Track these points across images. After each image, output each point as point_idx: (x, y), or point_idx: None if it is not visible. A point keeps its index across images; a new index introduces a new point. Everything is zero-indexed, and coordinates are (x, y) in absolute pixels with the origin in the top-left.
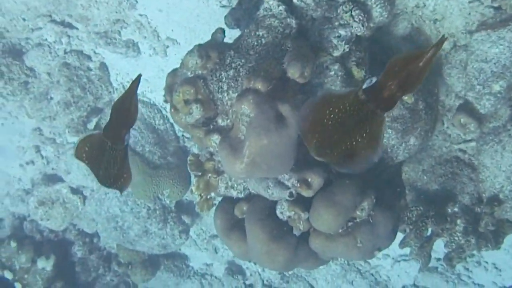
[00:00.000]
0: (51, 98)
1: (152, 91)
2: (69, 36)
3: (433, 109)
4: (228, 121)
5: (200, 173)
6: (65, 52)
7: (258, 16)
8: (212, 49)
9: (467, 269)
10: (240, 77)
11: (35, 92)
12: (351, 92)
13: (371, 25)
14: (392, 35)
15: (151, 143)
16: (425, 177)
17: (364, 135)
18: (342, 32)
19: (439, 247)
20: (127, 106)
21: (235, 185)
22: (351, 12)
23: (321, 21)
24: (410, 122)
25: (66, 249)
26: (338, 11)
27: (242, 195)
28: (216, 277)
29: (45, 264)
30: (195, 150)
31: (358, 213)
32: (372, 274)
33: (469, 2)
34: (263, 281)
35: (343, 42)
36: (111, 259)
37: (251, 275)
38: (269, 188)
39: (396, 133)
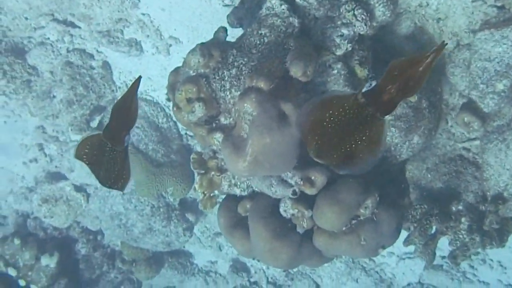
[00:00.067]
0: (54, 97)
1: (155, 89)
2: (71, 35)
3: (437, 108)
4: (231, 119)
5: (203, 171)
6: (68, 51)
7: (261, 15)
8: (215, 48)
9: (472, 267)
10: (243, 75)
11: (38, 90)
12: (351, 95)
13: (374, 24)
14: (395, 34)
15: (155, 141)
16: (429, 176)
17: (364, 138)
18: (344, 31)
19: (444, 245)
20: (127, 107)
21: (238, 183)
22: (354, 11)
23: (324, 20)
24: (413, 120)
25: (70, 246)
26: (341, 10)
27: (246, 193)
28: (220, 275)
29: (49, 261)
30: (198, 148)
31: (361, 211)
32: (377, 272)
33: (472, 1)
34: (267, 278)
35: (346, 41)
36: (115, 257)
37: (255, 272)
38: (272, 186)
39: (399, 132)
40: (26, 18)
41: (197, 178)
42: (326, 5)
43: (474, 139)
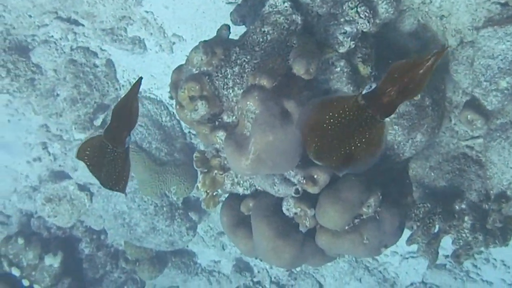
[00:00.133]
0: (58, 95)
1: (159, 87)
2: (75, 33)
3: (440, 106)
4: (234, 117)
5: (206, 170)
6: (72, 49)
7: (264, 13)
8: (218, 46)
9: (476, 266)
10: (246, 73)
11: (42, 89)
12: (351, 97)
13: (377, 21)
14: (399, 31)
15: (158, 139)
16: (432, 174)
17: (364, 140)
18: (348, 28)
19: (447, 244)
20: (128, 108)
21: (241, 182)
22: (357, 8)
23: (327, 18)
24: (416, 118)
25: (73, 246)
26: (344, 8)
27: (248, 192)
28: (223, 274)
29: (53, 261)
30: (201, 147)
31: (364, 210)
32: (380, 271)
33: None
34: (271, 278)
35: (349, 39)
36: (119, 256)
37: (258, 272)
38: (275, 185)
39: (402, 130)
40: (30, 16)
41: (200, 176)
42: (329, 2)
43: (478, 137)
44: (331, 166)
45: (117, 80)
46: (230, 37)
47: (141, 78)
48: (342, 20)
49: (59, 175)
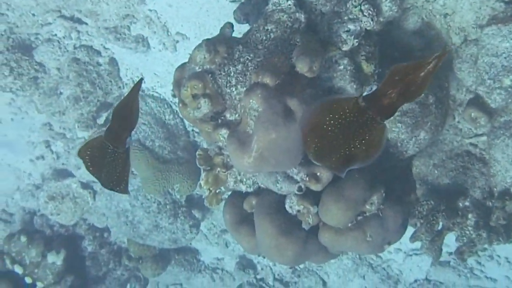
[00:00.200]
0: (61, 93)
1: (162, 86)
2: (78, 31)
3: (444, 103)
4: (237, 115)
5: (209, 168)
6: (75, 47)
7: (267, 11)
8: (220, 44)
9: (480, 263)
10: (249, 71)
11: (45, 87)
12: (352, 98)
13: (381, 19)
14: (402, 29)
15: (161, 138)
16: (436, 172)
17: (364, 141)
18: (351, 26)
19: (451, 241)
20: (128, 109)
21: (244, 180)
22: (361, 6)
23: (330, 16)
24: (420, 116)
25: (76, 243)
26: (348, 6)
27: (251, 190)
28: (227, 271)
29: (56, 259)
30: (205, 145)
31: (367, 207)
32: (384, 268)
33: None
34: (274, 275)
35: (352, 37)
36: (122, 254)
37: (262, 269)
38: (278, 182)
39: (406, 127)
40: (33, 15)
41: (203, 174)
42: (332, 0)
43: (481, 134)
44: (331, 167)
45: (120, 78)
46: (234, 35)
47: (141, 79)
48: (345, 18)
49: (62, 173)
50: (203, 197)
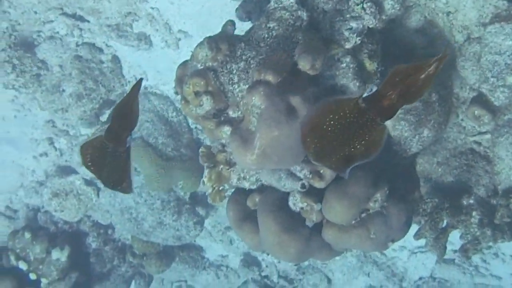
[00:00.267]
0: (63, 91)
1: (165, 83)
2: (80, 29)
3: (447, 101)
4: (239, 113)
5: (212, 165)
6: (77, 45)
7: (269, 9)
8: (222, 41)
9: (485, 261)
10: (251, 69)
11: (47, 84)
12: (352, 99)
13: (383, 17)
14: (405, 27)
15: (164, 135)
16: (439, 169)
17: (363, 142)
18: (353, 24)
19: (456, 239)
20: (128, 109)
21: (248, 177)
22: (363, 4)
23: (333, 14)
24: (423, 114)
25: (80, 240)
26: (350, 4)
27: (255, 187)
28: (231, 269)
29: (60, 255)
30: (208, 142)
31: (371, 204)
32: (389, 266)
33: None
34: (278, 272)
35: (355, 35)
36: (126, 251)
37: (266, 266)
38: (281, 180)
39: (409, 125)
40: (35, 12)
41: (206, 171)
42: None
43: (485, 132)
44: (331, 167)
45: (123, 76)
46: (236, 33)
47: (141, 79)
48: (348, 16)
49: (66, 170)
50: (206, 194)
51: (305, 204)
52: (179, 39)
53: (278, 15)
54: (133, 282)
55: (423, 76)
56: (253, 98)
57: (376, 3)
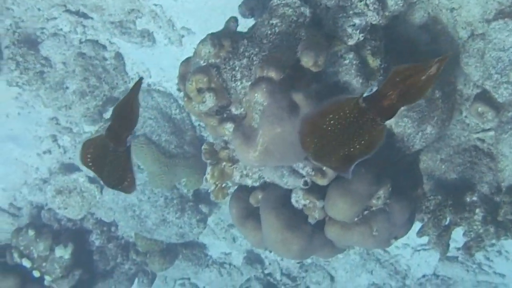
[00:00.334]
0: (67, 88)
1: (168, 80)
2: (84, 26)
3: (450, 98)
4: (242, 109)
5: (214, 162)
6: (80, 42)
7: (272, 5)
8: (225, 38)
9: (488, 259)
10: (254, 66)
11: (51, 81)
12: (352, 99)
13: (386, 13)
14: (408, 24)
15: (168, 132)
16: (443, 166)
17: (363, 142)
18: (356, 20)
19: (459, 237)
20: (128, 108)
21: (250, 174)
22: (366, 0)
23: (336, 10)
24: (426, 111)
25: (84, 237)
26: (353, 0)
27: (257, 184)
28: (234, 266)
29: (63, 253)
30: (211, 139)
31: (374, 201)
32: (392, 264)
33: None
34: (281, 270)
35: (358, 31)
36: (129, 248)
37: (269, 264)
38: (284, 177)
39: (412, 122)
40: (39, 9)
41: (208, 168)
42: None
43: (489, 129)
44: (330, 167)
45: (126, 73)
46: (239, 30)
47: (141, 78)
48: (351, 12)
49: (69, 168)
50: (209, 191)
51: (308, 201)
52: (182, 36)
53: (281, 11)
54: (136, 280)
55: (424, 77)
56: (256, 95)
57: None
